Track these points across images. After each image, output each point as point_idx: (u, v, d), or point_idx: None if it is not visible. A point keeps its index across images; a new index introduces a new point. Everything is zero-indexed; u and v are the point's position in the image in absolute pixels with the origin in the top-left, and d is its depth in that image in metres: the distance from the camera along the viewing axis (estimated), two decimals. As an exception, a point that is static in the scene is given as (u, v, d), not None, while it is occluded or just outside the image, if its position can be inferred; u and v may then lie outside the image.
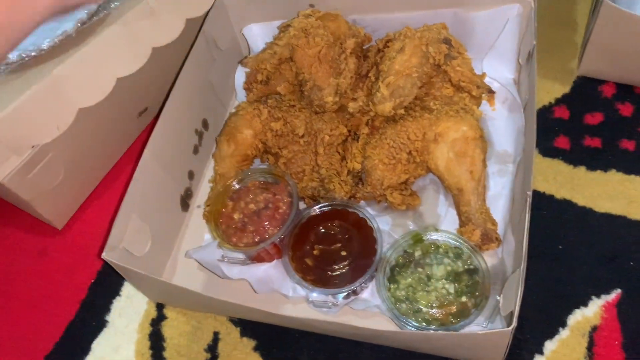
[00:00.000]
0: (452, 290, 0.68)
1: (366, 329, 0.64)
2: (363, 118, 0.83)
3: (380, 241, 0.72)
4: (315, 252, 0.74)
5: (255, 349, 0.74)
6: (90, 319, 0.80)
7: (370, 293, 0.73)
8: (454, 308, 0.67)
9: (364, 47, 0.89)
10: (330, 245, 0.74)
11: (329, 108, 0.81)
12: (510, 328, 0.55)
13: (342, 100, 0.83)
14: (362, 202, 0.80)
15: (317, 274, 0.72)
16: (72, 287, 0.84)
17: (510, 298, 0.60)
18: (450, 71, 0.79)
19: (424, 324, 0.66)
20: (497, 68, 0.86)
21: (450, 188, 0.75)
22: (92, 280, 0.84)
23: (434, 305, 0.67)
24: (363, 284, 0.71)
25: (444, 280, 0.68)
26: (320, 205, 0.77)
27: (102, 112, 0.85)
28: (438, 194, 0.80)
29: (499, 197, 0.78)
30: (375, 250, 0.72)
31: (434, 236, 0.72)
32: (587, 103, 0.87)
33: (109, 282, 0.83)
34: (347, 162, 0.80)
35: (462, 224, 0.74)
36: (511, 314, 0.58)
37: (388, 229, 0.77)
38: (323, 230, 0.75)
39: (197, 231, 0.84)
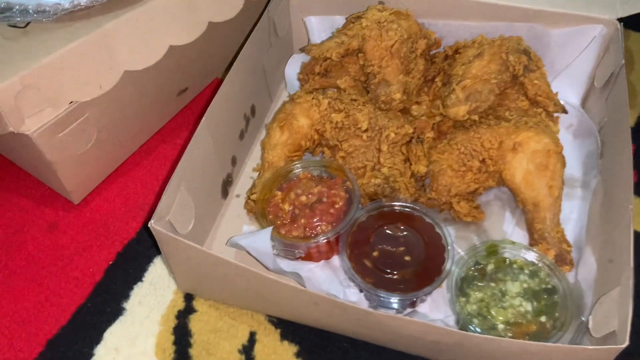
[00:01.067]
0: (529, 309, 0.61)
1: (454, 331, 0.56)
2: (429, 121, 0.78)
3: (450, 249, 0.66)
4: (375, 253, 0.67)
5: (298, 355, 0.65)
6: (105, 304, 0.71)
7: (429, 307, 0.66)
8: (533, 328, 0.60)
9: (431, 52, 0.85)
10: (393, 247, 0.67)
11: (395, 106, 0.76)
12: (623, 345, 0.49)
13: (406, 101, 0.78)
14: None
15: (376, 276, 0.65)
16: (85, 267, 0.74)
17: (609, 317, 0.54)
18: (528, 84, 0.75)
19: None
20: (565, 91, 0.83)
21: (524, 202, 0.70)
22: (110, 263, 0.74)
23: (511, 322, 0.61)
24: (426, 295, 0.64)
25: (520, 297, 0.62)
26: (381, 204, 0.70)
27: (146, 81, 0.78)
28: (504, 210, 0.75)
29: (567, 221, 0.72)
30: (444, 258, 0.65)
31: (508, 250, 0.66)
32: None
33: (130, 266, 0.74)
34: (410, 164, 0.74)
35: (534, 242, 0.68)
36: (614, 333, 0.52)
37: (451, 242, 0.71)
38: (385, 231, 0.68)
39: (234, 222, 0.77)
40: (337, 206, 0.70)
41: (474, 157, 0.72)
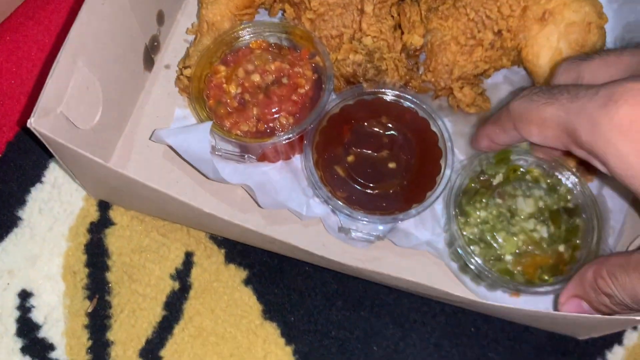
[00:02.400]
0: (545, 234, 0.48)
1: (430, 287, 0.43)
2: (429, -27, 0.57)
3: (449, 155, 0.50)
4: (350, 157, 0.50)
5: (246, 282, 0.52)
6: (-7, 211, 0.54)
7: (414, 224, 0.52)
8: (548, 260, 0.47)
9: None
10: (374, 150, 0.50)
11: (385, -52, 0.55)
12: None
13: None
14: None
15: (350, 189, 0.49)
16: (-36, 159, 0.56)
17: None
18: None
19: (504, 279, 0.47)
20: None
21: (547, 92, 0.53)
22: (-1, 155, 0.56)
23: (521, 252, 0.47)
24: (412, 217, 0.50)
25: (534, 219, 0.48)
26: (362, 90, 0.53)
27: None
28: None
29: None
30: (440, 167, 0.50)
31: (524, 158, 0.51)
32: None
33: (25, 161, 0.56)
34: (402, 33, 0.55)
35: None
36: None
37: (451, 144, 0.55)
38: (365, 128, 0.51)
39: (162, 102, 0.58)
40: (301, 90, 0.52)
41: (486, 27, 0.53)
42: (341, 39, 0.54)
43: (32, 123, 0.40)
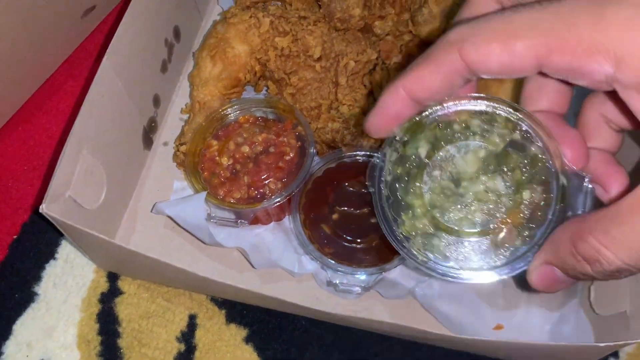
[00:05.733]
0: (501, 188, 0.37)
1: (414, 328, 0.46)
2: (395, 42, 0.63)
3: (424, 207, 0.54)
4: (335, 216, 0.55)
5: (247, 340, 0.55)
6: (12, 289, 0.58)
7: (400, 274, 0.56)
8: (519, 215, 0.37)
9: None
10: (356, 208, 0.55)
11: (354, 24, 0.61)
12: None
13: (368, 17, 0.63)
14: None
15: (337, 245, 0.54)
16: (-17, 243, 0.61)
17: (619, 293, 0.45)
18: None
19: (485, 259, 0.37)
20: None
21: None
22: (15, 237, 0.61)
23: (485, 225, 0.37)
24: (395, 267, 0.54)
25: (482, 175, 0.38)
26: (341, 154, 0.58)
27: (36, 5, 0.60)
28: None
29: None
30: (418, 218, 0.54)
31: (440, 110, 0.38)
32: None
33: (39, 240, 0.61)
34: (374, 99, 0.61)
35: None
36: (625, 315, 0.43)
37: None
38: (346, 188, 0.56)
39: (162, 177, 0.63)
40: (287, 157, 0.57)
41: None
42: (320, 110, 0.60)
43: (43, 208, 0.45)
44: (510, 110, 0.38)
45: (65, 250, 0.60)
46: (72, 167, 0.48)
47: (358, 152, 0.57)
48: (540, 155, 0.37)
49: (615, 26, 0.26)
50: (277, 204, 0.55)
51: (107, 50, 0.52)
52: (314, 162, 0.57)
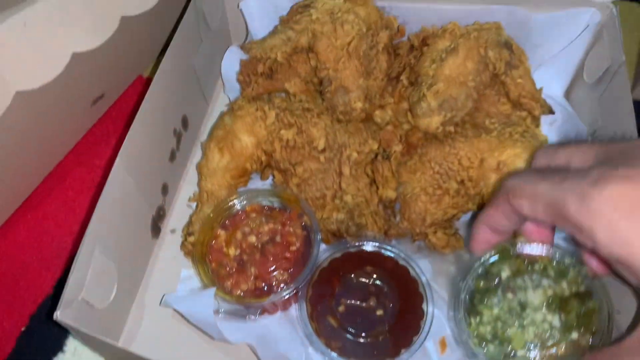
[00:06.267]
0: (557, 324, 0.49)
1: None
2: (395, 131, 0.66)
3: (430, 298, 0.55)
4: (341, 308, 0.56)
5: None
6: (19, 384, 0.58)
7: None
8: (562, 349, 0.49)
9: (394, 43, 0.72)
10: (362, 300, 0.56)
11: (356, 116, 0.64)
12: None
13: (369, 107, 0.66)
14: (393, 241, 0.63)
15: (343, 340, 0.55)
16: (-9, 335, 0.61)
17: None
18: (510, 83, 0.63)
19: None
20: (548, 82, 0.72)
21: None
22: (23, 329, 0.61)
23: (533, 346, 0.49)
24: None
25: (544, 310, 0.50)
26: (346, 245, 0.59)
27: (47, 97, 0.62)
28: (485, 233, 0.65)
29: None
30: (423, 311, 0.55)
31: (527, 248, 0.51)
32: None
33: (47, 332, 0.61)
34: (377, 188, 0.63)
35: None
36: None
37: (428, 277, 0.61)
38: (352, 279, 0.57)
39: (170, 265, 0.64)
40: (293, 248, 0.59)
41: (450, 178, 0.61)
42: (325, 199, 0.62)
43: (58, 316, 0.45)
44: (582, 267, 0.49)
45: (74, 343, 0.60)
46: (85, 270, 0.49)
47: (363, 242, 0.59)
48: (596, 310, 0.49)
49: (597, 205, 0.37)
50: (285, 297, 0.56)
51: (120, 152, 0.54)
52: (320, 251, 0.58)
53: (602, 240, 0.37)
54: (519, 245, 0.51)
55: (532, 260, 0.51)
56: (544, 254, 0.50)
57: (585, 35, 0.66)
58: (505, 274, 0.52)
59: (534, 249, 0.50)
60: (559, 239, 0.50)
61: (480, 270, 0.53)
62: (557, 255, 0.51)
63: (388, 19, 0.69)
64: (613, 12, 0.64)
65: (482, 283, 0.52)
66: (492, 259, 0.52)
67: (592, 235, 0.37)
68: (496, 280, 0.52)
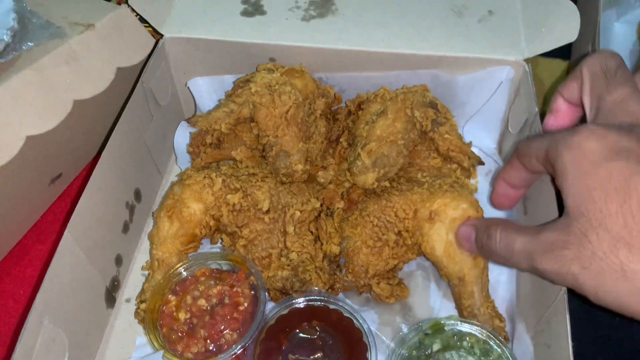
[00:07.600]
0: None
1: None
2: (337, 190, 0.70)
3: (373, 348, 0.57)
4: (289, 364, 0.58)
5: None
6: None
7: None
8: None
9: (333, 109, 0.77)
10: (309, 354, 0.58)
11: (298, 178, 0.68)
12: None
13: (311, 168, 0.70)
14: (340, 294, 0.66)
15: (292, 395, 0.56)
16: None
17: None
18: (438, 139, 0.68)
19: None
20: (479, 136, 0.77)
21: (449, 277, 0.63)
22: (-23, 408, 0.62)
23: None
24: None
25: None
26: (292, 301, 0.61)
27: (4, 177, 0.66)
28: (428, 281, 0.68)
29: (497, 285, 0.66)
30: (367, 359, 0.57)
31: (458, 326, 0.58)
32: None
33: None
34: (322, 244, 0.66)
35: (465, 319, 0.61)
36: None
37: (375, 328, 0.63)
38: (298, 334, 0.59)
39: (126, 333, 0.66)
40: (241, 308, 0.61)
41: (389, 230, 0.64)
42: (270, 258, 0.64)
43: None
44: (506, 349, 0.56)
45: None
46: (33, 341, 0.51)
47: (309, 297, 0.61)
48: None
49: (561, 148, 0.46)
50: (233, 356, 0.57)
51: (68, 224, 0.57)
52: (267, 310, 0.60)
53: (561, 176, 0.46)
54: (451, 322, 0.58)
55: (462, 337, 0.57)
56: (472, 332, 0.58)
57: (502, 90, 0.72)
58: (436, 346, 0.57)
59: (464, 327, 0.58)
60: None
61: (415, 340, 0.58)
62: (483, 336, 0.57)
63: (325, 88, 0.75)
64: (525, 69, 0.70)
65: (414, 352, 0.57)
66: (428, 332, 0.58)
67: (556, 171, 0.47)
68: (428, 351, 0.57)
